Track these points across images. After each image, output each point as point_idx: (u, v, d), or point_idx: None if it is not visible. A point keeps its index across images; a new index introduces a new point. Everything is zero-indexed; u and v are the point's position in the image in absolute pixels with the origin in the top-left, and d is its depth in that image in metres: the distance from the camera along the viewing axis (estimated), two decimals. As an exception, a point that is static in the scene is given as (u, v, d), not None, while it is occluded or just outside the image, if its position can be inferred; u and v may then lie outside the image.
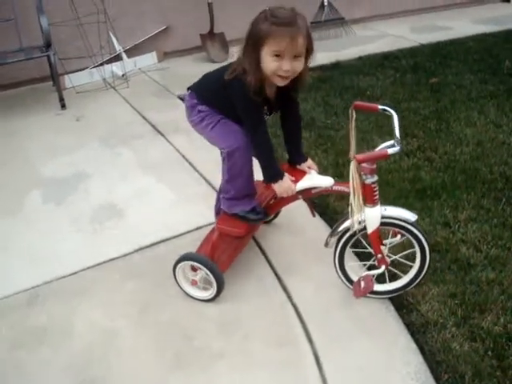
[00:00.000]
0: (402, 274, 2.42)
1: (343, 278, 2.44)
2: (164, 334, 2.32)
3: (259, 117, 2.22)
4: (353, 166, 1.99)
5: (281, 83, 2.10)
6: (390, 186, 3.22)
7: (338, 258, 2.38)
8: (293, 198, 2.39)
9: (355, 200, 2.06)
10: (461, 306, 2.34)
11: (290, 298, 2.46)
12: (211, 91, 2.35)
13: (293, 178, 2.31)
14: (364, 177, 2.11)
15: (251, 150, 2.29)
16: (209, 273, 2.36)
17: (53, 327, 2.39)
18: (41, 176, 3.69)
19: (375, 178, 2.12)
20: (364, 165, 2.08)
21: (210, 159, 3.64)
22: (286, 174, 2.28)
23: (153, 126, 4.37)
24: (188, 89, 2.47)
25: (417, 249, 2.29)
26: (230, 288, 2.50)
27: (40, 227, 3.12)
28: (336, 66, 5.45)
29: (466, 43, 6.08)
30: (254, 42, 2.04)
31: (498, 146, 3.67)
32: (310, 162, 2.47)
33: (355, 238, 2.31)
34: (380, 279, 2.39)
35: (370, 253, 2.37)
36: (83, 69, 5.55)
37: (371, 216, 2.17)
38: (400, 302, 2.38)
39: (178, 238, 2.91)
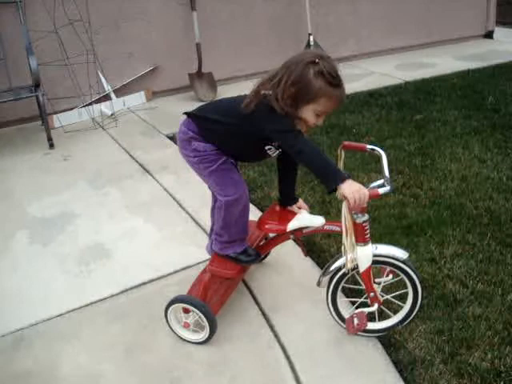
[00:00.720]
0: (391, 314, 2.42)
1: (336, 316, 2.43)
2: (150, 376, 2.29)
3: (296, 127, 2.05)
4: (344, 206, 2.00)
5: (302, 128, 2.08)
6: (376, 222, 3.24)
7: (331, 297, 2.38)
8: (284, 237, 2.40)
9: (348, 239, 2.07)
10: (448, 343, 2.33)
11: (277, 337, 2.45)
12: (220, 124, 2.22)
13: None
14: (355, 216, 2.12)
15: (248, 200, 2.33)
16: (201, 315, 2.34)
17: (38, 371, 2.36)
18: (28, 216, 3.68)
19: (366, 216, 2.13)
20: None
21: (197, 197, 3.70)
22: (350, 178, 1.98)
23: (141, 165, 4.39)
24: (186, 114, 2.35)
25: (409, 287, 2.30)
26: (218, 328, 2.48)
27: (26, 268, 3.10)
28: (322, 103, 5.50)
29: (450, 79, 6.19)
30: (301, 95, 1.97)
31: (482, 181, 3.71)
32: (300, 201, 2.48)
33: (348, 276, 2.31)
34: (370, 317, 2.38)
35: (361, 290, 2.37)
36: (72, 108, 5.60)
37: (363, 255, 2.18)
38: (387, 340, 2.37)
39: (164, 279, 2.90)
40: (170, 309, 2.41)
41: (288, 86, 1.96)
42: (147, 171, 4.26)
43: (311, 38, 6.61)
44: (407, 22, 7.63)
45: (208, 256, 2.66)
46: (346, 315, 2.37)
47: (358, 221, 2.12)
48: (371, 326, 2.39)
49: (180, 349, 2.42)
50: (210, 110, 2.31)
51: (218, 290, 2.52)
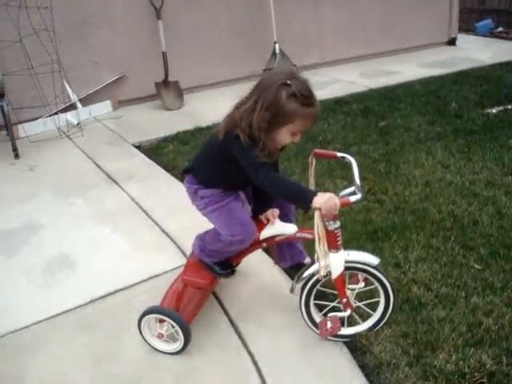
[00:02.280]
0: (360, 321, 2.46)
1: (309, 322, 2.44)
2: (118, 386, 2.28)
3: (257, 160, 2.04)
4: (317, 214, 2.02)
5: (277, 153, 2.14)
6: (342, 228, 3.26)
7: (305, 303, 2.39)
8: (257, 246, 2.41)
9: (320, 247, 2.09)
10: (413, 346, 2.37)
11: (245, 345, 2.45)
12: (209, 165, 2.28)
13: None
14: (327, 223, 2.14)
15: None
16: (175, 325, 2.33)
17: (3, 384, 2.33)
18: (-8, 228, 3.63)
19: (338, 224, 2.16)
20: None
21: (164, 206, 3.70)
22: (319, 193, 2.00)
23: (107, 175, 4.36)
24: (183, 172, 2.42)
25: (380, 293, 2.34)
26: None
27: (-9, 280, 3.06)
28: (289, 111, 5.53)
29: (413, 86, 6.29)
30: (276, 118, 1.98)
31: (445, 186, 3.78)
32: (271, 209, 2.46)
33: (321, 283, 2.33)
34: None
35: (333, 294, 2.40)
36: (37, 118, 5.54)
37: (335, 261, 2.21)
38: (354, 344, 2.40)
39: (131, 288, 2.88)
40: (144, 319, 2.39)
41: (262, 111, 1.98)
42: (114, 180, 4.24)
43: (277, 47, 6.65)
44: (371, 30, 7.73)
45: (177, 264, 2.66)
46: (318, 319, 2.40)
47: (330, 228, 2.14)
48: (342, 331, 2.41)
49: (148, 358, 2.41)
50: (198, 158, 2.38)
51: (192, 300, 2.52)
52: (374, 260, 2.27)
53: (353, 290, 2.37)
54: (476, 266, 2.90)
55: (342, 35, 7.52)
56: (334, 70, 7.30)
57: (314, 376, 2.28)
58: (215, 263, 2.43)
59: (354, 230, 3.26)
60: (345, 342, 2.42)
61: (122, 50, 6.03)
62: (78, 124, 5.57)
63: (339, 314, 2.31)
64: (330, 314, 2.32)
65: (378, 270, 2.28)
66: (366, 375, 2.26)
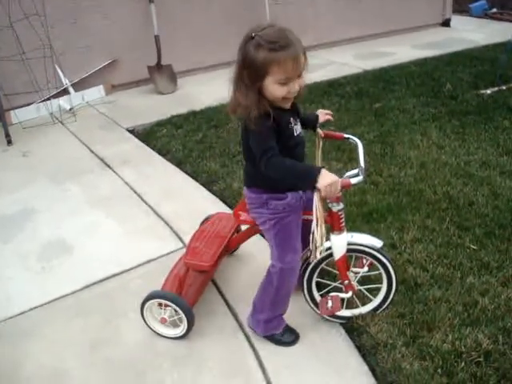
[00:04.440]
0: (359, 304, 2.47)
1: (311, 303, 2.44)
2: (115, 371, 2.29)
3: (270, 144, 1.95)
4: (316, 196, 1.99)
5: (287, 105, 2.02)
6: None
7: (307, 286, 2.39)
8: (257, 229, 2.38)
9: (318, 229, 2.05)
10: (409, 326, 2.38)
11: (241, 326, 2.46)
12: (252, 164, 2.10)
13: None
14: (330, 205, 2.14)
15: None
16: (178, 309, 2.32)
17: (1, 371, 2.32)
18: (-14, 214, 3.62)
19: (341, 205, 2.16)
20: None
21: (159, 190, 3.69)
22: (323, 169, 1.91)
23: (101, 160, 4.34)
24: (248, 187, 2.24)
25: (383, 275, 2.33)
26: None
27: (-14, 267, 3.06)
28: (283, 94, 5.51)
29: (407, 68, 6.27)
30: (252, 75, 1.89)
31: (440, 167, 3.78)
32: (320, 113, 2.45)
33: (325, 262, 2.33)
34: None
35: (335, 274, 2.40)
36: (30, 104, 5.50)
37: (338, 243, 2.20)
38: (350, 325, 2.41)
39: (127, 273, 2.89)
40: (147, 305, 2.38)
41: (241, 71, 1.93)
42: (108, 166, 4.22)
43: (271, 29, 6.60)
44: (365, 12, 7.68)
45: (172, 248, 2.65)
46: (318, 297, 2.42)
47: (334, 209, 2.14)
48: (341, 312, 2.42)
49: (144, 342, 2.42)
50: (247, 167, 2.24)
51: (194, 283, 2.51)
52: (377, 243, 2.27)
53: (356, 273, 2.37)
54: (471, 246, 2.91)
55: (337, 17, 7.48)
56: (328, 52, 7.26)
57: (310, 356, 2.29)
58: (282, 333, 2.37)
59: (349, 211, 3.24)
60: (341, 323, 2.43)
61: (115, 34, 5.97)
62: (70, 109, 5.53)
63: (341, 295, 2.31)
64: (331, 294, 2.32)
65: (381, 253, 2.28)
66: (363, 356, 2.27)
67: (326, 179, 1.87)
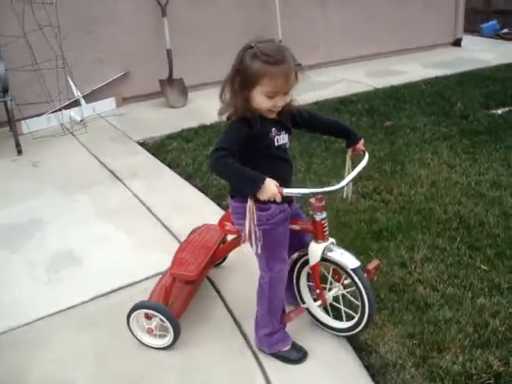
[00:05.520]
0: (344, 318, 2.45)
1: (300, 301, 2.49)
2: (122, 384, 2.27)
3: (228, 146, 1.96)
4: (250, 202, 2.01)
5: (270, 116, 2.06)
6: (347, 227, 3.26)
7: (295, 283, 2.45)
8: (240, 241, 2.37)
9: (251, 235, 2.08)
10: (419, 346, 2.35)
11: (248, 343, 2.43)
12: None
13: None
14: (313, 214, 2.17)
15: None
16: (164, 319, 2.33)
17: (6, 380, 2.31)
18: (-5, 223, 3.62)
19: (324, 214, 2.18)
20: (312, 202, 2.16)
21: (168, 203, 3.69)
22: (268, 179, 1.91)
23: (111, 172, 4.34)
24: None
25: (359, 296, 2.27)
26: (189, 334, 2.47)
27: (-6, 276, 3.05)
28: (293, 110, 5.51)
29: (418, 86, 6.27)
30: (243, 83, 1.97)
31: (451, 186, 3.76)
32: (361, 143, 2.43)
33: (307, 267, 2.37)
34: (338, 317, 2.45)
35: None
36: (41, 114, 5.52)
37: (314, 251, 2.23)
38: (359, 344, 2.38)
39: (134, 286, 2.87)
40: (133, 315, 2.40)
41: (234, 76, 1.99)
42: (117, 177, 4.22)
43: (282, 45, 6.63)
44: (377, 30, 7.71)
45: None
46: (307, 300, 2.46)
47: (317, 218, 2.17)
48: (334, 323, 2.44)
49: (150, 356, 2.40)
50: None
51: (180, 294, 2.53)
52: (352, 263, 2.22)
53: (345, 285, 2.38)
54: (482, 266, 2.88)
55: (348, 34, 7.50)
56: (339, 70, 7.28)
57: (319, 375, 2.26)
58: (290, 350, 2.35)
59: (359, 229, 3.24)
60: (349, 341, 2.40)
61: (127, 47, 6.01)
62: (81, 121, 5.55)
63: (316, 303, 2.39)
64: (303, 305, 2.40)
65: (356, 273, 2.21)
66: (372, 376, 2.24)
67: (267, 193, 1.88)
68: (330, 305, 2.44)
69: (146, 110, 5.96)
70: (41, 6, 5.18)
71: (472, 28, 9.60)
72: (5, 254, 3.26)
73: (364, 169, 2.25)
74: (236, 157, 1.95)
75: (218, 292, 2.79)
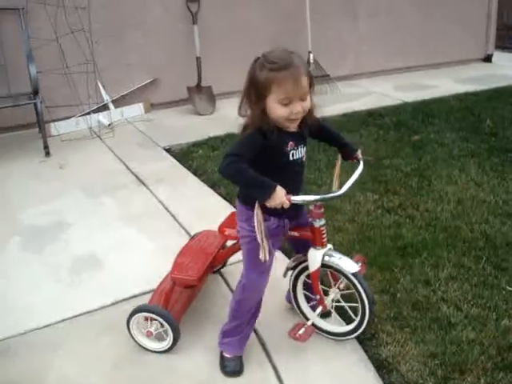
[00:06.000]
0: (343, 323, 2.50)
1: (297, 309, 2.52)
2: (138, 390, 2.26)
3: (241, 153, 1.99)
4: (257, 209, 2.05)
5: (292, 126, 2.05)
6: (371, 242, 3.23)
7: (292, 290, 2.49)
8: (239, 247, 2.40)
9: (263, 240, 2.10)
10: (441, 367, 2.30)
11: (268, 355, 2.41)
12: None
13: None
14: (312, 221, 2.20)
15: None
16: (164, 322, 2.36)
17: (23, 382, 2.31)
18: (20, 224, 3.65)
19: (323, 221, 2.21)
20: (311, 209, 2.19)
21: (192, 210, 3.68)
22: (279, 186, 1.94)
23: (136, 177, 4.37)
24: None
25: (358, 300, 2.30)
26: (204, 341, 2.46)
27: (16, 276, 3.07)
28: (320, 121, 5.49)
29: (448, 102, 6.20)
30: (256, 94, 1.98)
31: (478, 205, 3.70)
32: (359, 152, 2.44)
33: (304, 274, 2.41)
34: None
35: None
36: (70, 117, 5.59)
37: (313, 257, 2.25)
38: (380, 362, 2.34)
39: (156, 291, 2.86)
40: (133, 318, 2.43)
41: (249, 89, 2.02)
42: (142, 183, 4.24)
43: (311, 56, 6.64)
44: (406, 43, 7.67)
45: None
46: (305, 308, 2.50)
47: (316, 225, 2.20)
48: (335, 329, 2.46)
49: (168, 363, 2.39)
50: None
51: (180, 298, 2.56)
52: (352, 268, 2.25)
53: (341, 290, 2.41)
54: (508, 287, 2.82)
55: (378, 47, 7.47)
56: (368, 82, 7.25)
57: (337, 392, 2.23)
58: (230, 358, 2.34)
59: (383, 244, 3.20)
60: (370, 359, 2.36)
61: (157, 54, 6.06)
62: (109, 125, 5.60)
63: (316, 312, 2.37)
64: (308, 322, 2.32)
65: (355, 277, 2.25)
66: (392, 394, 2.20)
67: (276, 200, 1.92)
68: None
69: (174, 116, 5.99)
70: (74, 10, 5.26)
71: (503, 44, 9.50)
72: (28, 255, 3.29)
73: (360, 176, 2.30)
74: (248, 164, 1.98)
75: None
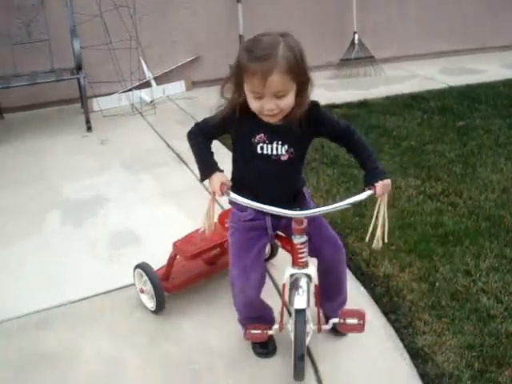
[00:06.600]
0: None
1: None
2: (172, 367, 2.27)
3: (206, 122, 2.06)
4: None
5: (271, 120, 1.88)
6: (411, 228, 3.17)
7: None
8: None
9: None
10: (478, 359, 2.25)
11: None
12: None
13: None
14: (293, 236, 2.00)
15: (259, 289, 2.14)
16: (151, 286, 2.48)
17: (60, 353, 2.36)
18: (61, 197, 3.71)
19: (303, 238, 1.99)
20: (292, 223, 1.98)
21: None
22: (218, 173, 2.00)
23: (176, 154, 4.38)
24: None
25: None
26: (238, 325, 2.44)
27: (56, 249, 3.12)
28: (363, 104, 5.42)
29: (495, 87, 6.00)
30: (236, 76, 1.84)
31: (524, 195, 3.59)
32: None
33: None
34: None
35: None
36: (112, 93, 5.63)
37: (285, 271, 2.06)
38: (415, 351, 2.30)
39: (192, 269, 2.87)
40: (135, 272, 2.61)
41: (233, 71, 1.88)
42: (182, 160, 4.25)
43: (356, 37, 6.53)
44: (454, 26, 7.44)
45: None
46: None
47: (295, 241, 2.00)
48: None
49: (202, 341, 2.39)
50: None
51: (182, 273, 2.62)
52: (298, 303, 1.96)
53: None
54: (552, 281, 2.74)
55: (425, 29, 7.28)
56: (413, 65, 7.08)
57: (370, 379, 2.20)
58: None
59: (424, 231, 3.13)
60: (406, 348, 2.32)
61: (200, 31, 6.04)
62: (151, 102, 5.62)
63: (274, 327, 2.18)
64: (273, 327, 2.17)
65: (296, 315, 1.98)
66: (426, 385, 2.16)
67: (211, 185, 1.99)
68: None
69: (215, 94, 5.91)
70: (118, -15, 5.26)
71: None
72: (68, 228, 3.34)
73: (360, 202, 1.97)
74: (209, 138, 2.08)
75: (275, 283, 2.73)
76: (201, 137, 2.03)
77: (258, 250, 2.12)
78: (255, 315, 2.23)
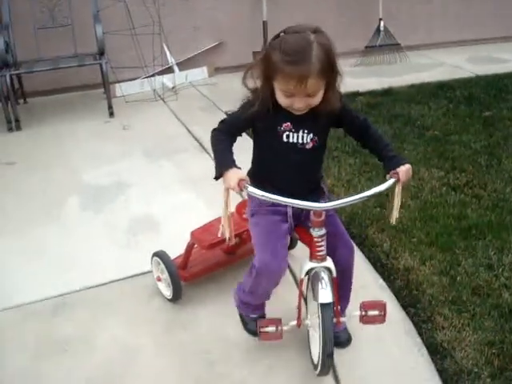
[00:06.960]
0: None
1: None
2: (187, 356, 2.26)
3: (230, 120, 2.10)
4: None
5: (297, 113, 1.92)
6: (434, 220, 3.11)
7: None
8: None
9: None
10: (498, 356, 2.20)
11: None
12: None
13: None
14: (311, 229, 1.97)
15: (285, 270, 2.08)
16: (167, 275, 2.48)
17: (76, 338, 2.37)
18: (82, 182, 3.72)
19: (322, 231, 1.96)
20: (311, 215, 1.95)
21: (250, 178, 3.61)
22: (235, 169, 1.94)
23: (197, 141, 4.36)
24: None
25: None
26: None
27: (76, 234, 3.14)
28: (387, 92, 5.34)
29: (524, 77, 5.88)
30: (266, 71, 1.86)
31: (550, 188, 3.51)
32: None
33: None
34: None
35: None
36: (134, 78, 5.62)
37: (302, 265, 2.04)
38: (434, 347, 2.26)
39: (210, 258, 2.85)
40: (153, 260, 2.61)
41: (261, 63, 1.89)
42: (203, 147, 4.23)
43: (382, 24, 6.43)
44: (481, 14, 7.25)
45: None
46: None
47: (313, 234, 1.96)
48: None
49: (218, 331, 2.38)
50: None
51: (200, 262, 2.62)
52: (324, 298, 1.93)
53: None
54: None
55: (451, 17, 7.13)
56: (439, 53, 6.94)
57: (388, 374, 2.17)
58: (250, 318, 2.28)
59: (446, 224, 3.08)
60: (424, 343, 2.28)
61: (223, 17, 6.00)
62: (173, 88, 5.61)
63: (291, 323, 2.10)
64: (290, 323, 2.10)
65: (322, 309, 1.93)
66: (444, 381, 2.12)
67: (226, 182, 1.92)
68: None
69: (237, 81, 5.87)
70: (141, -30, 5.24)
71: None
72: (89, 214, 3.35)
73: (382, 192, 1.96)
74: (234, 135, 2.05)
75: (293, 274, 2.70)
76: (224, 135, 2.02)
77: (284, 231, 2.10)
78: (258, 303, 2.24)
